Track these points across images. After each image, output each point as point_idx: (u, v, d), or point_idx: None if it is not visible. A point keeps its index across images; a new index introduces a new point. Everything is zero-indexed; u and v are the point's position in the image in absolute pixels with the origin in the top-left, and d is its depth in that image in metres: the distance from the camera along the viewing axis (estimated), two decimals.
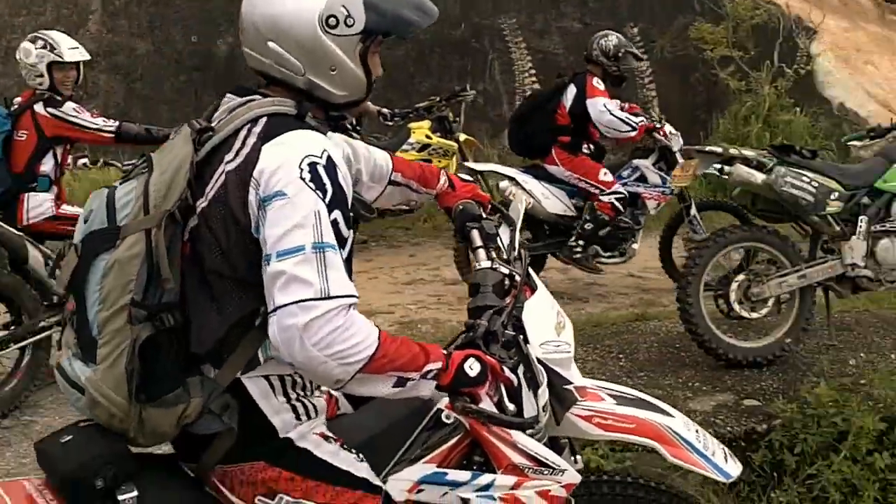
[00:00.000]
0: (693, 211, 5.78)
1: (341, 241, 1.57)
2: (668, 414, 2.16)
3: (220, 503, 1.70)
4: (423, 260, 6.54)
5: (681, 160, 5.79)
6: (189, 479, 1.72)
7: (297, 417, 1.71)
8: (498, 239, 2.12)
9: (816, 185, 4.18)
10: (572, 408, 2.01)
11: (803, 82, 9.31)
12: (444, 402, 1.86)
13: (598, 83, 5.61)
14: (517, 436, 1.90)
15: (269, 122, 1.66)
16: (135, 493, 1.58)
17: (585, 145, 5.74)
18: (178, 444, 1.74)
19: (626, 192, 5.64)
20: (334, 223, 1.56)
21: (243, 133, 1.65)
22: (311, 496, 1.69)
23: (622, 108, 5.64)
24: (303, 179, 1.56)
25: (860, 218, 4.31)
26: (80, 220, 1.71)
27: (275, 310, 1.52)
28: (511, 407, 1.73)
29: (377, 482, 1.78)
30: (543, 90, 6.54)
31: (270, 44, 1.67)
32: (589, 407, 2.08)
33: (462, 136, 6.93)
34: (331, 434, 1.78)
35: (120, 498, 1.57)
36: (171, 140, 1.74)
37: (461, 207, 2.13)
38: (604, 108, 5.52)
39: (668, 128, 5.77)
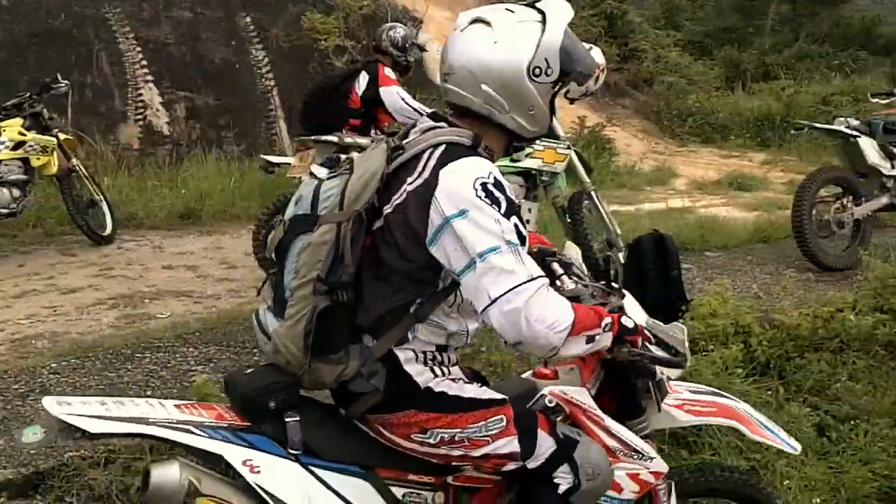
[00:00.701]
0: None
1: (522, 240, 1.94)
2: (734, 399, 2.63)
3: (369, 437, 2.10)
4: (35, 269, 5.94)
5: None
6: (341, 418, 2.11)
7: (434, 375, 2.08)
8: (573, 267, 2.49)
9: None
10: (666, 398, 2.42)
11: (417, 70, 9.84)
12: (548, 389, 2.31)
13: (389, 72, 5.78)
14: (610, 422, 2.27)
15: (447, 149, 2.00)
16: (297, 418, 1.99)
17: (374, 130, 5.77)
18: (336, 393, 2.12)
19: None
20: (515, 227, 1.92)
21: (424, 157, 1.99)
22: (455, 425, 2.07)
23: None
24: (479, 197, 1.90)
25: None
26: (292, 201, 2.10)
27: (492, 302, 1.87)
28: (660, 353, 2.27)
29: (501, 396, 2.16)
30: (335, 74, 6.76)
31: (483, 86, 2.02)
32: (676, 396, 2.47)
33: (62, 136, 6.59)
34: (457, 377, 2.15)
35: (286, 420, 1.98)
36: (372, 149, 2.07)
37: (535, 249, 2.40)
38: (397, 96, 5.68)
39: None
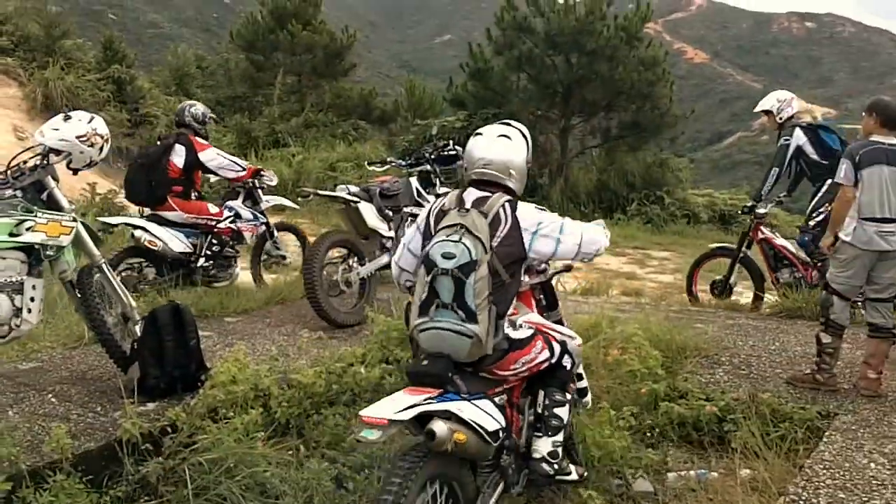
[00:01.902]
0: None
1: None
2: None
3: (484, 378, 3.52)
4: None
5: (265, 199, 7.83)
6: (469, 372, 3.49)
7: (514, 330, 3.59)
8: None
9: None
10: None
11: None
12: (522, 319, 3.75)
13: (201, 140, 7.19)
14: (555, 326, 3.98)
15: (510, 202, 3.59)
16: (460, 380, 3.39)
17: (193, 192, 7.20)
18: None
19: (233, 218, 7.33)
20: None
21: (501, 211, 3.53)
22: (529, 353, 3.61)
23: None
24: (540, 214, 3.65)
25: None
26: (442, 258, 3.36)
27: (580, 242, 3.69)
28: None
29: (533, 330, 3.71)
30: (150, 151, 7.40)
31: (511, 171, 3.70)
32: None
33: None
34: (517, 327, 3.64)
35: (456, 381, 3.37)
36: (470, 214, 3.46)
37: None
38: (216, 156, 7.24)
39: (268, 172, 7.85)
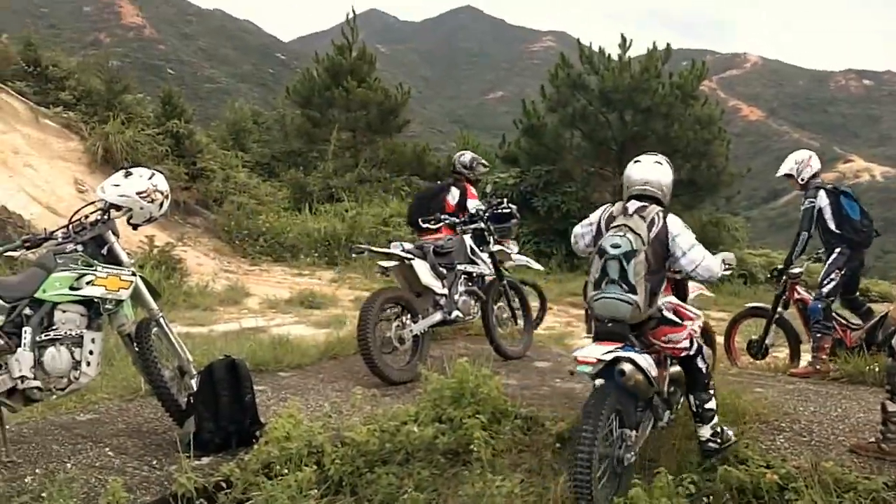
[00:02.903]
0: None
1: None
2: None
3: (641, 340, 4.64)
4: None
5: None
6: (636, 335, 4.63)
7: (666, 310, 4.74)
8: None
9: None
10: None
11: None
12: (661, 302, 4.82)
13: (474, 191, 8.32)
14: (690, 308, 5.21)
15: (663, 211, 4.75)
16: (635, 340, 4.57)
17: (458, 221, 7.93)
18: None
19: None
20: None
21: (656, 217, 4.67)
22: (674, 332, 4.73)
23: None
24: (684, 228, 4.78)
25: (24, 329, 4.26)
26: (611, 247, 4.52)
27: (698, 264, 4.74)
28: None
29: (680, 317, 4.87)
30: (432, 188, 9.03)
31: (663, 189, 4.90)
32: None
33: None
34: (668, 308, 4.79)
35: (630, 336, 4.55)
36: (633, 218, 4.65)
37: None
38: (475, 205, 8.13)
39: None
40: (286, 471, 4.25)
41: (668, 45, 19.35)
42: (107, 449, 4.81)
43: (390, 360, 6.68)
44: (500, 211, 8.03)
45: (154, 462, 4.65)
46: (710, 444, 4.83)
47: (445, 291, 7.18)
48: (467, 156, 8.65)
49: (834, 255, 7.50)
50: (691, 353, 4.85)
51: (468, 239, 7.64)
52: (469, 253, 7.55)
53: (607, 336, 4.55)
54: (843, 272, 7.40)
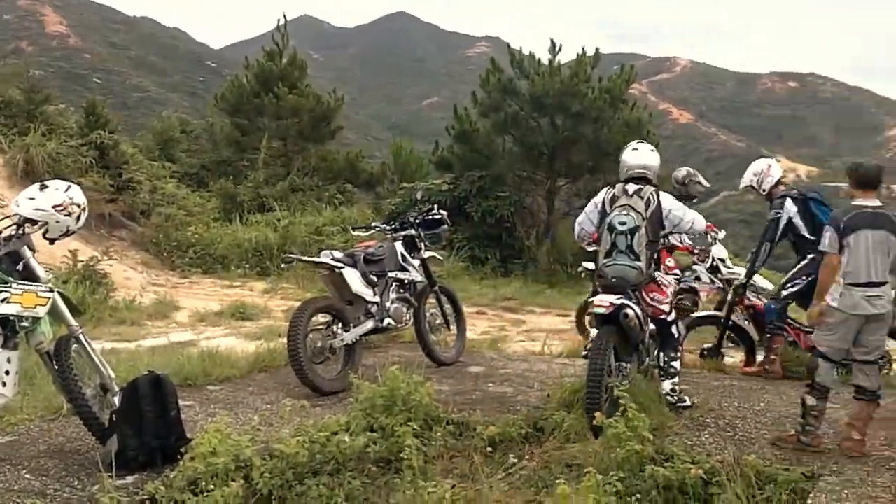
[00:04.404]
0: None
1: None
2: None
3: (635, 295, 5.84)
4: None
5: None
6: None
7: (657, 272, 6.06)
8: None
9: None
10: None
11: None
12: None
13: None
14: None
15: (656, 191, 5.93)
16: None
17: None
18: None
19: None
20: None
21: (651, 196, 5.87)
22: (660, 292, 5.99)
23: None
24: (675, 201, 6.06)
25: None
26: (618, 224, 5.75)
27: (694, 221, 6.09)
28: None
29: (668, 281, 6.34)
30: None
31: (655, 171, 6.08)
32: None
33: None
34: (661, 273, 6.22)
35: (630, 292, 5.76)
36: (633, 198, 5.83)
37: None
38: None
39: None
40: (213, 486, 4.16)
41: (596, 49, 19.50)
42: (25, 472, 4.68)
43: (322, 370, 6.63)
44: (430, 217, 8.01)
45: (76, 483, 4.54)
46: (669, 397, 5.97)
47: (377, 299, 7.14)
48: (681, 171, 8.26)
49: (805, 261, 7.34)
50: (669, 319, 6.09)
51: (399, 246, 7.61)
52: (400, 260, 7.52)
53: (612, 290, 5.71)
54: (809, 278, 7.04)
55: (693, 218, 6.08)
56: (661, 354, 6.08)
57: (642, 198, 5.82)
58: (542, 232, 18.87)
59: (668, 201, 5.97)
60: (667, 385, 6.03)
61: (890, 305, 5.21)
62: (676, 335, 6.13)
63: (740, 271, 7.98)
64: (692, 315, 7.93)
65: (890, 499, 4.43)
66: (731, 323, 7.95)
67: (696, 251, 7.96)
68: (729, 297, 7.91)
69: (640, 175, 6.02)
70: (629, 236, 5.69)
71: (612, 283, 5.74)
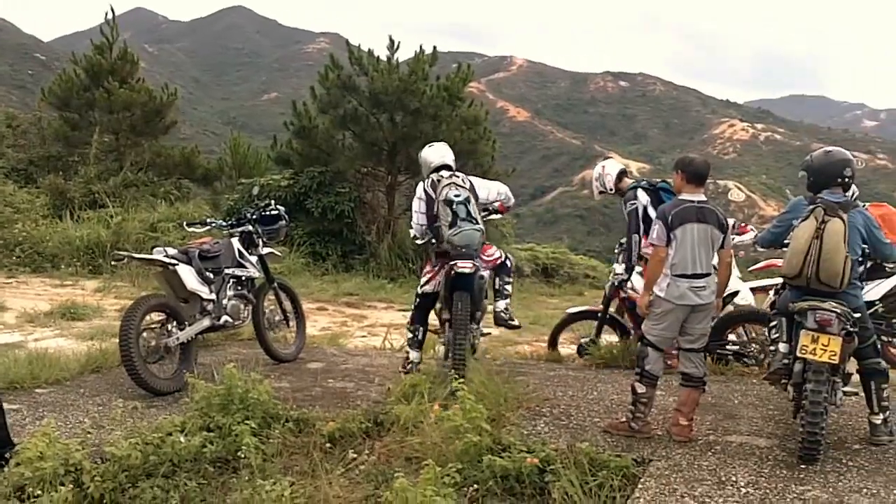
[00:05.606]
0: None
1: None
2: None
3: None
4: None
5: None
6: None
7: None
8: None
9: None
10: None
11: None
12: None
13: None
14: None
15: (462, 173, 6.88)
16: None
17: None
18: None
19: None
20: None
21: (463, 177, 6.72)
22: (493, 251, 7.20)
23: None
24: (481, 180, 7.32)
25: None
26: (454, 197, 6.52)
27: (500, 191, 7.26)
28: None
29: None
30: None
31: (450, 159, 6.94)
32: None
33: None
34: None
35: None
36: (453, 177, 6.68)
37: None
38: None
39: None
40: (40, 492, 4.07)
41: (434, 47, 19.77)
42: None
43: (156, 369, 6.51)
44: (268, 213, 7.99)
45: None
46: (502, 315, 7.07)
47: (213, 297, 7.06)
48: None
49: None
50: (501, 258, 7.13)
51: (236, 242, 7.55)
52: (237, 256, 7.47)
53: (463, 256, 6.42)
54: None
55: (497, 186, 7.16)
56: (497, 280, 7.11)
57: (458, 177, 6.67)
58: (383, 227, 19.02)
59: (473, 178, 6.93)
60: (501, 304, 7.09)
61: (713, 296, 5.52)
62: (509, 264, 7.23)
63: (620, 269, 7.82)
64: (568, 311, 8.35)
65: (715, 481, 4.69)
66: (608, 316, 8.07)
67: None
68: (606, 290, 8.03)
69: (443, 165, 6.81)
70: (466, 205, 6.49)
71: (461, 251, 6.43)
